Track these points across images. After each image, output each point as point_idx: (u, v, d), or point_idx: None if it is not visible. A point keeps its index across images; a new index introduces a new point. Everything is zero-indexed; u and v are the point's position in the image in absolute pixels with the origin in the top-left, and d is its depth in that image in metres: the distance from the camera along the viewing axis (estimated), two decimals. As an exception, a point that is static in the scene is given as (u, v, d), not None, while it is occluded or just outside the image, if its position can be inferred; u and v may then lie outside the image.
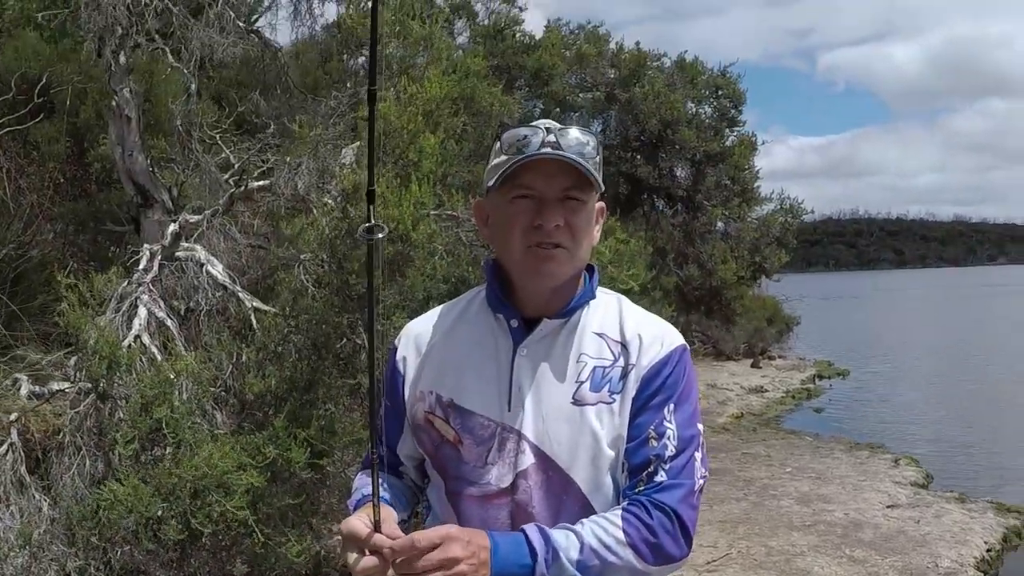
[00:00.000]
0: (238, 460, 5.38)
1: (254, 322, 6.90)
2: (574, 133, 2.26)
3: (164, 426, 5.41)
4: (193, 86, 9.95)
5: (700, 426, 2.32)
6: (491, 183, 2.30)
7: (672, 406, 2.27)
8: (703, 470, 2.29)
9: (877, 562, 8.82)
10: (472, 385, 2.35)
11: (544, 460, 2.25)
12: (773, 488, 11.81)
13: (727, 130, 23.42)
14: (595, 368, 2.30)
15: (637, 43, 22.34)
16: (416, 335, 2.51)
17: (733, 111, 23.52)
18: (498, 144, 2.30)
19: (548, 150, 2.22)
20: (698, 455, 2.28)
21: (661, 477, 2.21)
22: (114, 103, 8.92)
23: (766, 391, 20.91)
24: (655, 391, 2.27)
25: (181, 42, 9.26)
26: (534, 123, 2.29)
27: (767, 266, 23.91)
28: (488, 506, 2.29)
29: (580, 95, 21.72)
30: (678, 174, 23.07)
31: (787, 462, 13.46)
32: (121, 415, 5.82)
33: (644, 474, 2.22)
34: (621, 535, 2.14)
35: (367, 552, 2.08)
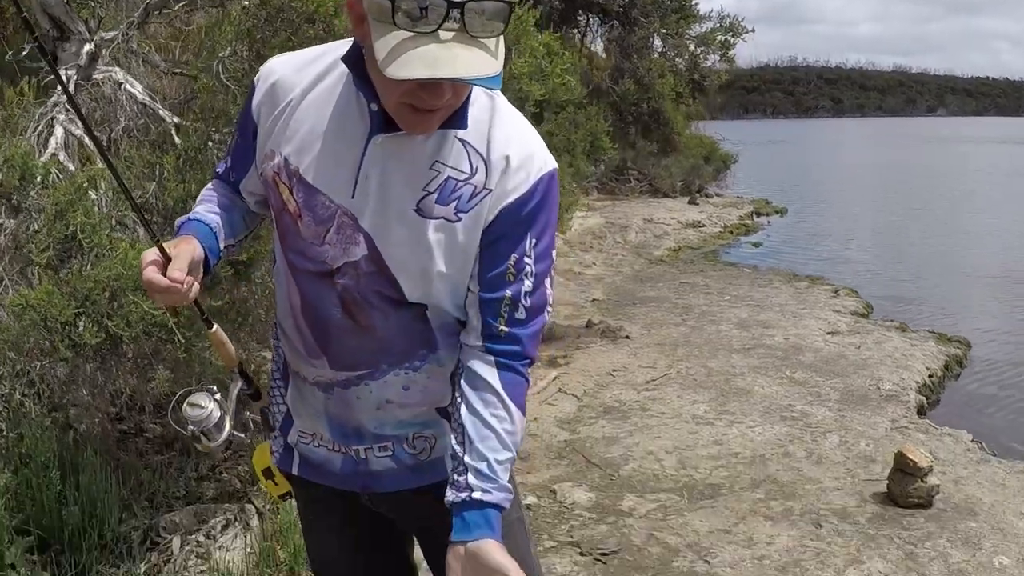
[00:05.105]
0: (157, 260, 5.19)
1: (175, 137, 6.65)
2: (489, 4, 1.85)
3: (80, 232, 5.19)
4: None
5: (554, 253, 2.30)
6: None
7: (534, 240, 2.22)
8: (550, 296, 2.31)
9: (819, 383, 8.90)
10: (321, 161, 2.20)
11: (375, 254, 2.19)
12: (712, 315, 11.88)
13: (664, -58, 23.04)
14: (447, 179, 2.15)
15: None
16: (275, 82, 2.28)
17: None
18: None
19: (453, 41, 1.83)
20: (548, 283, 2.28)
21: (521, 315, 2.22)
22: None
23: (704, 226, 20.99)
24: (516, 223, 2.19)
25: None
26: None
27: (706, 84, 23.67)
28: (321, 284, 2.28)
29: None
30: (613, -11, 22.60)
31: (726, 291, 13.55)
32: (35, 227, 5.62)
33: (503, 308, 2.21)
34: (511, 425, 2.17)
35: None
